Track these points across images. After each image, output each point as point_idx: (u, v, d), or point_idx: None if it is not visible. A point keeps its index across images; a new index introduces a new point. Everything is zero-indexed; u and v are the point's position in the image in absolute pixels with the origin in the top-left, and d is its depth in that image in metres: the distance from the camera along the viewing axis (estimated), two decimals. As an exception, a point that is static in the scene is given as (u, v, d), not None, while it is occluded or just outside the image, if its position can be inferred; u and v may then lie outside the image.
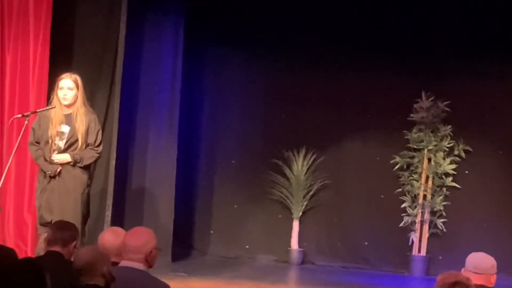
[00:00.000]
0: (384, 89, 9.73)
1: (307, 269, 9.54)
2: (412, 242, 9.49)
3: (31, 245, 8.10)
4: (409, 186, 9.56)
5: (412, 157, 9.58)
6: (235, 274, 8.67)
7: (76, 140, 7.10)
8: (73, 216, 6.78)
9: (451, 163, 9.52)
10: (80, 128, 7.09)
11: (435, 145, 9.51)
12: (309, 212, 9.83)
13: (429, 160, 9.55)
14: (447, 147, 9.53)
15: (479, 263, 4.88)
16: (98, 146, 7.20)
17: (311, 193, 9.77)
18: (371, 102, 9.76)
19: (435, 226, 9.50)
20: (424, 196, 9.51)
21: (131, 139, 8.98)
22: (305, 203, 9.76)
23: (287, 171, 9.78)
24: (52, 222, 6.44)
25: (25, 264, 3.52)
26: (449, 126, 9.54)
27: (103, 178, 8.55)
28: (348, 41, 9.68)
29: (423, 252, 9.46)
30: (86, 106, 7.22)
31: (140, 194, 8.99)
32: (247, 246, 9.91)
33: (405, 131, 9.60)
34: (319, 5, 9.61)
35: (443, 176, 9.54)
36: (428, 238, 9.49)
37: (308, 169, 9.76)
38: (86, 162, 7.13)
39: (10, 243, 7.91)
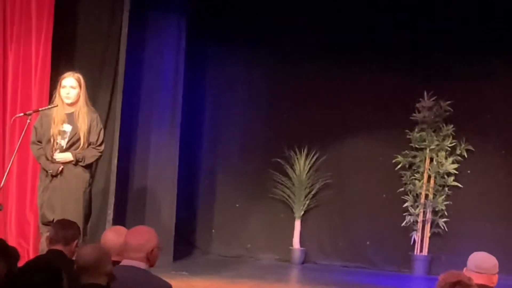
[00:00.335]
0: (386, 89, 9.72)
1: (309, 269, 9.54)
2: (414, 241, 9.49)
3: (33, 243, 8.11)
4: (411, 185, 9.56)
5: (414, 157, 9.58)
6: (237, 273, 8.67)
7: (78, 139, 7.10)
8: (75, 214, 6.78)
9: (453, 162, 9.52)
10: (82, 127, 7.09)
11: (437, 145, 9.51)
12: (311, 211, 9.83)
13: (431, 159, 9.54)
14: (449, 147, 9.53)
15: (481, 262, 4.87)
16: (100, 145, 7.21)
17: (313, 192, 9.77)
18: (373, 102, 9.75)
19: (437, 225, 9.50)
20: (426, 196, 9.50)
21: (133, 138, 8.98)
22: (307, 202, 9.76)
23: (289, 170, 9.78)
24: (54, 221, 6.44)
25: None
26: (451, 126, 9.53)
27: (105, 177, 8.56)
28: (351, 40, 9.68)
29: (425, 252, 9.46)
30: (88, 105, 7.23)
31: (142, 193, 9.00)
32: (248, 245, 9.91)
33: (407, 131, 9.60)
34: (321, 5, 9.61)
35: (445, 176, 9.53)
36: (430, 238, 9.49)
37: (310, 168, 9.76)
38: (88, 161, 7.13)
39: (12, 242, 7.90)
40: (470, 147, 9.53)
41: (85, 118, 7.11)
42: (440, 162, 9.50)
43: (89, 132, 7.13)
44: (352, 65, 9.73)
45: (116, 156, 8.40)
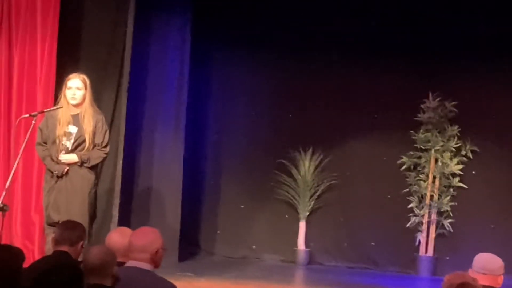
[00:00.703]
0: (391, 89, 9.72)
1: (314, 270, 9.53)
2: (419, 242, 9.48)
3: (38, 245, 8.11)
4: (416, 186, 9.55)
5: (419, 158, 9.57)
6: (242, 274, 8.68)
7: (84, 141, 7.11)
8: (80, 216, 6.79)
9: (458, 163, 9.51)
10: (88, 128, 7.10)
11: (442, 146, 9.50)
12: (316, 212, 9.83)
13: (436, 160, 9.53)
14: (454, 148, 9.52)
15: (487, 263, 4.87)
16: (105, 146, 7.22)
17: (317, 193, 9.76)
18: (378, 102, 9.75)
19: (442, 226, 9.49)
20: (431, 197, 9.50)
21: (138, 139, 8.99)
22: (312, 203, 9.76)
23: (294, 171, 9.77)
24: (59, 222, 6.45)
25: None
26: (456, 127, 9.53)
27: (110, 178, 8.57)
28: (356, 41, 9.67)
29: (430, 253, 9.45)
30: (94, 106, 7.24)
31: (147, 194, 9.00)
32: (253, 246, 9.91)
33: (412, 131, 9.59)
34: (327, 6, 9.60)
35: (450, 177, 9.53)
36: (435, 239, 9.48)
37: (315, 169, 9.76)
38: (93, 162, 7.15)
39: (17, 243, 7.92)
40: (475, 148, 9.52)
41: (90, 119, 7.12)
42: (445, 163, 9.50)
43: (94, 133, 7.14)
44: (357, 66, 9.72)
45: (121, 157, 8.41)
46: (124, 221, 8.31)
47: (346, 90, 9.84)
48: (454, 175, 9.52)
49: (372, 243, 9.70)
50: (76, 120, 7.12)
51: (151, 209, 8.99)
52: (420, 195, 9.55)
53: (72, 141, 7.09)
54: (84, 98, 7.16)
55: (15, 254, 3.85)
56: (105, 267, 3.96)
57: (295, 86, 9.92)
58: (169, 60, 9.17)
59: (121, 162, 8.41)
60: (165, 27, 9.13)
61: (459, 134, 9.53)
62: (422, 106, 9.57)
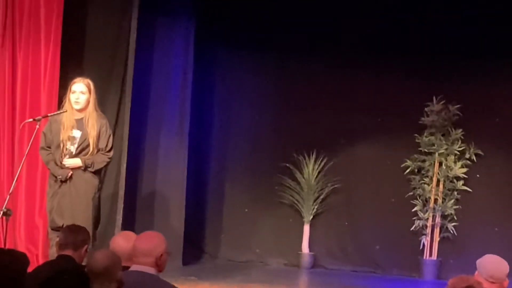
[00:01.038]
0: (395, 93, 9.71)
1: (318, 273, 9.52)
2: (423, 246, 9.47)
3: (42, 249, 8.12)
4: (420, 189, 9.54)
5: (423, 161, 9.56)
6: (246, 278, 8.66)
7: (88, 145, 7.11)
8: (84, 220, 6.79)
9: (462, 166, 9.50)
10: (92, 133, 7.11)
11: (446, 149, 9.49)
12: (320, 216, 9.82)
13: (440, 163, 9.52)
14: (458, 151, 9.50)
15: (494, 272, 4.84)
16: (109, 151, 7.22)
17: (321, 197, 9.75)
18: (382, 106, 9.74)
19: (446, 230, 9.47)
20: (435, 200, 9.48)
21: (141, 143, 9.00)
22: (316, 207, 9.75)
23: (298, 175, 9.77)
24: (63, 226, 6.45)
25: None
26: (460, 130, 9.51)
27: (114, 182, 8.57)
28: (359, 44, 9.67)
29: (434, 256, 9.43)
30: (98, 110, 7.24)
31: (151, 198, 9.01)
32: (257, 250, 9.90)
33: (416, 135, 9.58)
34: (330, 9, 9.60)
35: (454, 180, 9.51)
36: (439, 242, 9.47)
37: (319, 173, 9.75)
38: (97, 166, 7.15)
39: (21, 247, 7.93)
40: (479, 151, 9.51)
41: (94, 123, 7.12)
42: (449, 166, 9.48)
43: (98, 138, 7.14)
44: (361, 69, 9.72)
45: (125, 161, 8.41)
46: (128, 225, 8.31)
47: (350, 93, 9.83)
48: (458, 178, 9.51)
49: (377, 247, 9.69)
50: (80, 124, 7.12)
51: (155, 213, 8.99)
52: (424, 199, 9.54)
53: (76, 145, 7.10)
54: (88, 103, 7.16)
55: (19, 259, 3.84)
56: (109, 272, 3.95)
57: (299, 89, 9.92)
58: (173, 64, 9.18)
59: (125, 166, 8.41)
60: (169, 30, 9.14)
61: (463, 137, 9.52)
62: (426, 109, 9.56)
